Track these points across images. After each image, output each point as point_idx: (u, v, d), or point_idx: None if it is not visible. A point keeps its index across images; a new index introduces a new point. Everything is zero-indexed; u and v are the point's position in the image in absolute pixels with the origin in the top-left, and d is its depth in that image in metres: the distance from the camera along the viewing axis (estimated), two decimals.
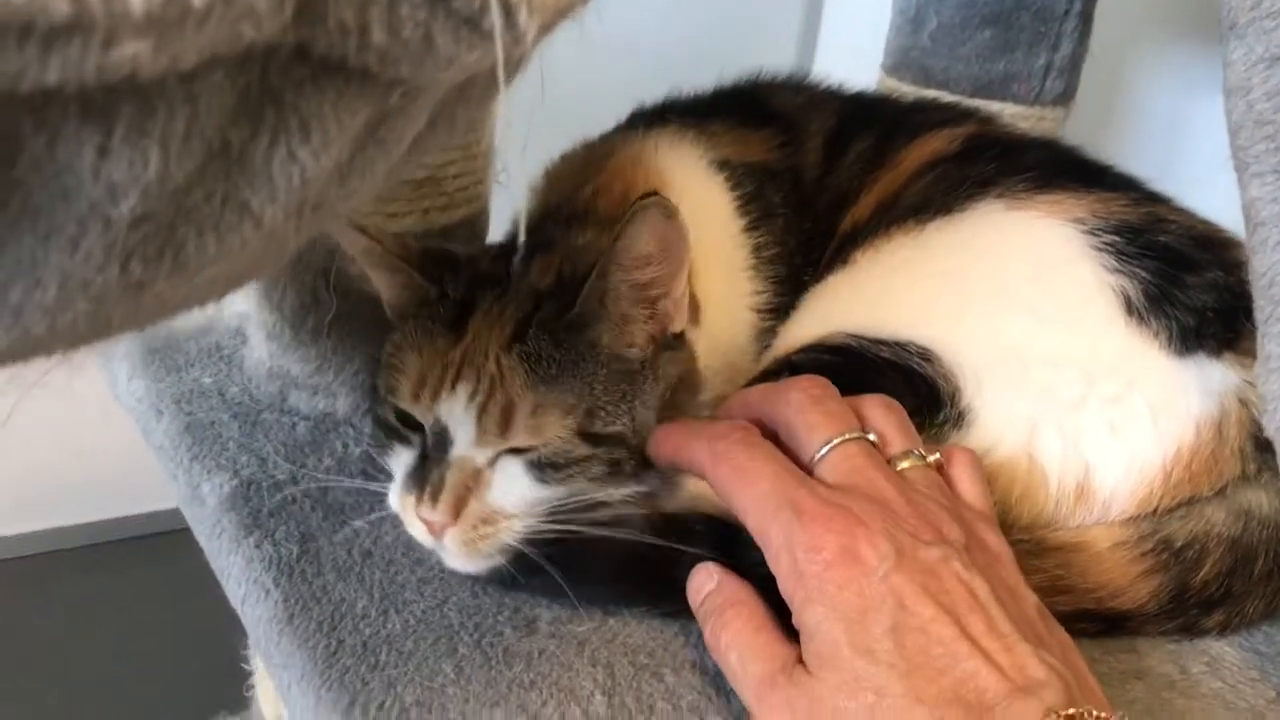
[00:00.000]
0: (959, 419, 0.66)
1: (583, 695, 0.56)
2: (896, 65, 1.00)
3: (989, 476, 0.64)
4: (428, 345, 0.64)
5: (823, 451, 0.58)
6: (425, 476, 0.62)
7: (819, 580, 0.51)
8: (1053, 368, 0.66)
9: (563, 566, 0.62)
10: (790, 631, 0.53)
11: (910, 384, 0.67)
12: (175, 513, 1.64)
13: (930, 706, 0.48)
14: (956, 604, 0.51)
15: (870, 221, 0.75)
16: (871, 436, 0.59)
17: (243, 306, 0.90)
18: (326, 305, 0.75)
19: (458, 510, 0.61)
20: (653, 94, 0.86)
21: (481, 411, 0.61)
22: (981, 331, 0.68)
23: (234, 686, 1.21)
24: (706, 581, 0.58)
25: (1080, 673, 0.52)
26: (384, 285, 0.68)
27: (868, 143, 0.80)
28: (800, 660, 0.52)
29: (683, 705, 0.56)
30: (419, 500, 0.61)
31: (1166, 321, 0.66)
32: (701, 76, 0.86)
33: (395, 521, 0.68)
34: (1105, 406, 0.65)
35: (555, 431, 0.61)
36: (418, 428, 0.65)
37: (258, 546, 0.65)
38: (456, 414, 0.62)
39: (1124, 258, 0.68)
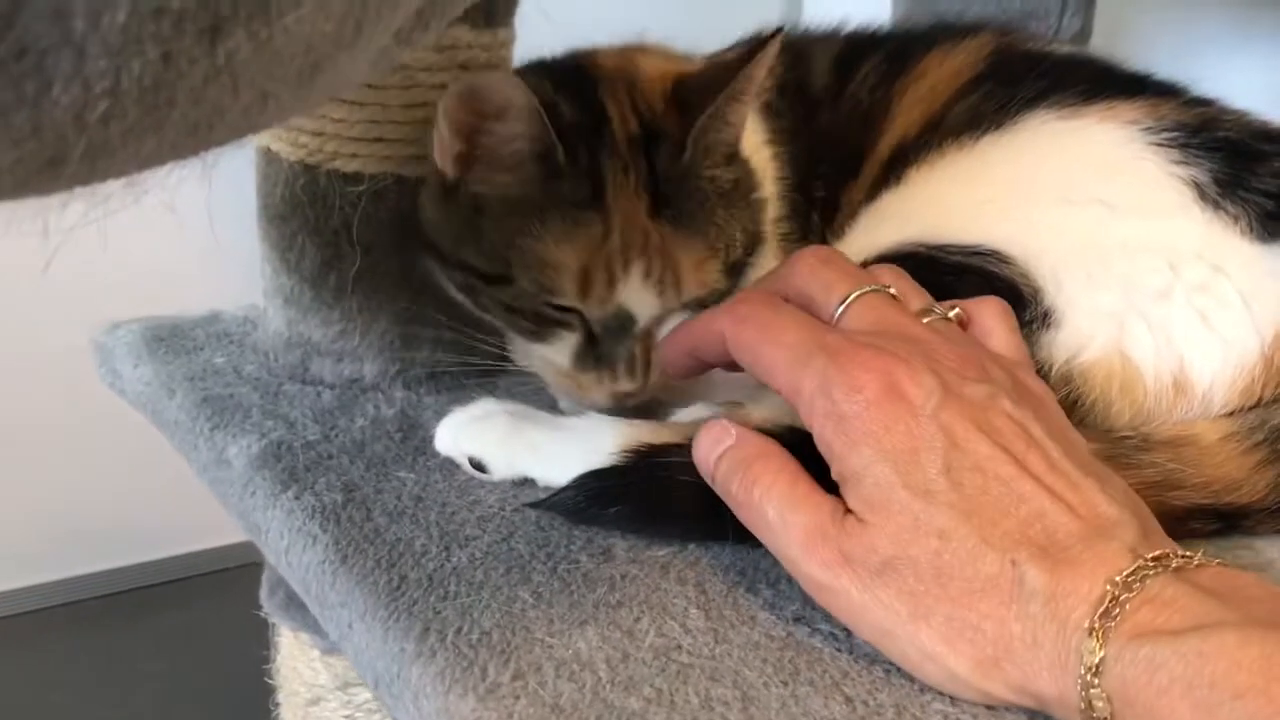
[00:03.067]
0: (1045, 319, 0.62)
1: (677, 610, 0.51)
2: (909, 17, 0.98)
3: (1084, 376, 0.61)
4: (579, 235, 0.62)
5: (842, 307, 0.54)
6: (609, 354, 0.64)
7: (862, 421, 0.47)
8: (1133, 260, 0.63)
9: (639, 500, 0.58)
10: (826, 488, 0.49)
11: (989, 285, 0.63)
12: (159, 565, 1.58)
13: (998, 550, 0.44)
14: (1012, 441, 0.47)
15: (919, 141, 0.72)
16: (891, 290, 0.55)
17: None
18: (350, 260, 0.71)
19: (649, 373, 0.64)
20: None
21: (660, 285, 0.63)
22: (1054, 230, 0.65)
23: None
24: (722, 437, 0.52)
25: (1146, 515, 0.48)
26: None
27: (879, 58, 0.78)
28: (848, 511, 0.47)
29: (787, 615, 0.51)
30: (612, 377, 0.64)
31: (1243, 207, 0.63)
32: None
33: (446, 469, 0.64)
34: (1193, 295, 0.62)
35: (714, 277, 0.65)
36: (570, 312, 0.64)
37: (297, 498, 0.60)
38: (634, 295, 0.63)
39: (1188, 150, 0.65)
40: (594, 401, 0.65)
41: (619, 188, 0.63)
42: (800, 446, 0.53)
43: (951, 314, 0.56)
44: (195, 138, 0.33)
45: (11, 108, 0.26)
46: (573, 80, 0.69)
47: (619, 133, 0.66)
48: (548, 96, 0.65)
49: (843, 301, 0.54)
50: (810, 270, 0.57)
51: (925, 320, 0.54)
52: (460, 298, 0.70)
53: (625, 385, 0.64)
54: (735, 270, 0.66)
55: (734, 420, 0.60)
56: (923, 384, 0.48)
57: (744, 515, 0.51)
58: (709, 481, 0.53)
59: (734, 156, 0.68)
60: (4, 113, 0.27)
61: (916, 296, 0.57)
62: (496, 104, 0.61)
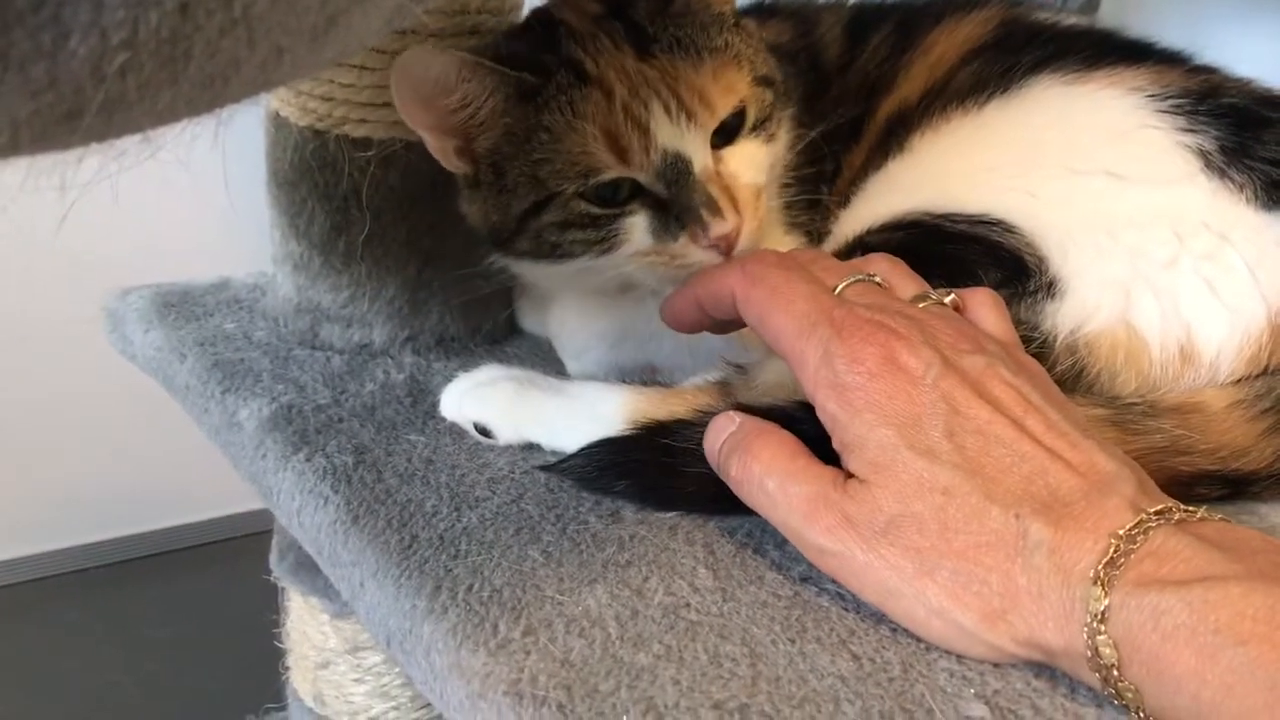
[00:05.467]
0: (1050, 289, 0.62)
1: (685, 570, 0.51)
2: None
3: (1089, 346, 0.61)
4: (585, 112, 0.61)
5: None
6: (685, 206, 0.61)
7: (865, 390, 0.48)
8: (1139, 229, 0.63)
9: (649, 479, 0.58)
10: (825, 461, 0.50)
11: (993, 255, 0.63)
12: (170, 533, 1.59)
13: (1002, 505, 0.45)
14: (1010, 406, 0.48)
15: (920, 107, 0.72)
16: (878, 279, 0.56)
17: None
18: (359, 225, 0.71)
19: (739, 208, 0.62)
20: None
21: (687, 113, 0.61)
22: (1060, 200, 0.64)
23: (252, 696, 1.16)
24: (727, 425, 0.53)
25: (1144, 476, 0.48)
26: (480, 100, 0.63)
27: (888, 29, 0.78)
28: (849, 477, 0.48)
29: (794, 575, 0.51)
30: (701, 225, 0.61)
31: (1249, 175, 0.63)
32: None
33: (455, 432, 0.64)
34: (1200, 264, 0.62)
35: (743, 84, 0.63)
36: (624, 200, 0.62)
37: (308, 460, 0.60)
38: (670, 134, 0.61)
39: (1193, 117, 0.65)
40: (693, 265, 0.62)
41: (598, 54, 0.62)
42: (803, 421, 0.53)
43: (946, 299, 0.57)
44: (210, 92, 0.33)
45: (29, 59, 0.27)
46: (525, 23, 0.70)
47: (575, 21, 0.65)
48: (486, 49, 0.65)
49: (834, 291, 0.55)
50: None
51: (920, 306, 0.55)
52: (546, 268, 0.67)
53: (719, 227, 0.61)
54: (767, 84, 0.66)
55: (739, 389, 0.61)
56: (922, 355, 0.49)
57: (744, 492, 0.51)
58: (717, 470, 0.53)
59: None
60: (22, 64, 0.27)
61: (911, 283, 0.57)
62: (434, 81, 0.61)
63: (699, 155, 0.62)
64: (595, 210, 0.62)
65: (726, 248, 0.62)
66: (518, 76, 0.61)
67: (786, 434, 0.52)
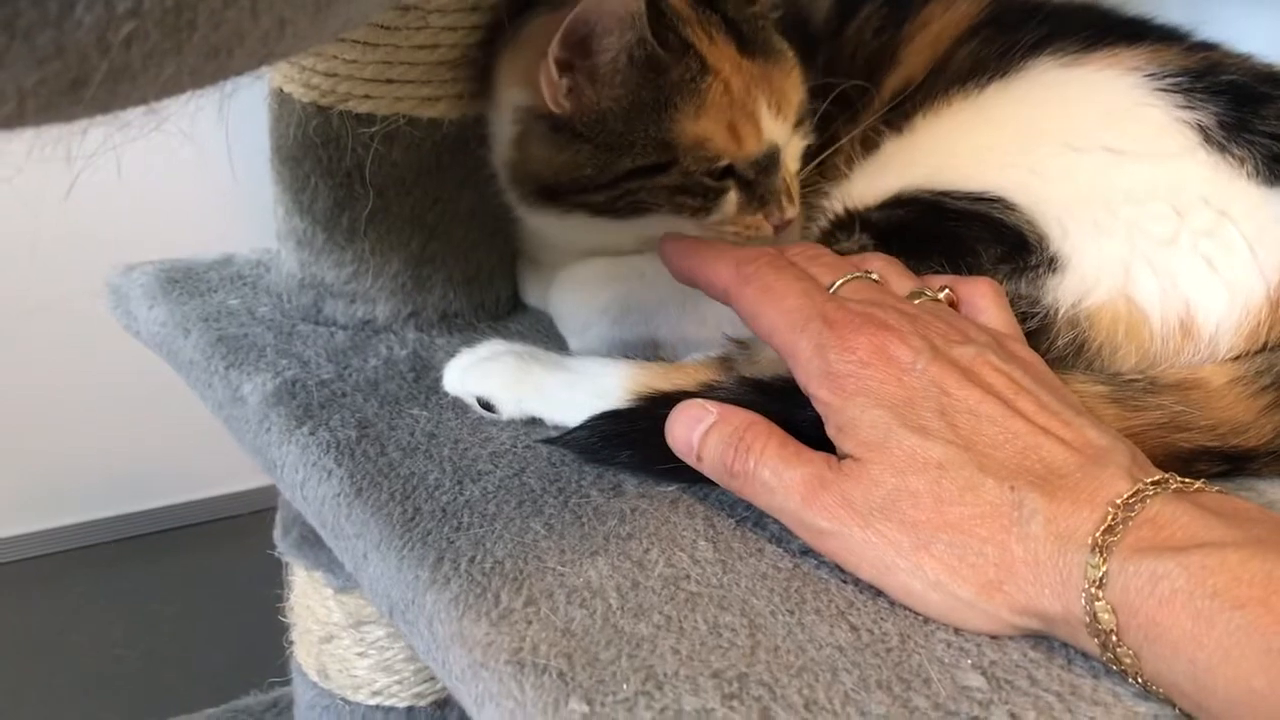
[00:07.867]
0: (1051, 264, 0.62)
1: (686, 542, 0.52)
2: None
3: (1090, 320, 0.61)
4: (710, 101, 0.66)
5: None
6: (768, 190, 0.69)
7: (857, 377, 0.49)
8: (1138, 205, 0.63)
9: (651, 448, 0.57)
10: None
11: (994, 232, 0.63)
12: (176, 509, 1.59)
13: (997, 478, 0.46)
14: (1001, 389, 0.49)
15: (923, 86, 0.73)
16: (875, 276, 0.57)
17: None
18: (362, 201, 0.71)
19: (794, 197, 0.70)
20: None
21: (779, 109, 0.68)
22: (1059, 176, 0.65)
23: (257, 671, 1.17)
24: (702, 416, 0.53)
25: (1137, 451, 0.49)
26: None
27: (878, 2, 0.78)
28: (842, 459, 0.49)
29: (794, 547, 0.52)
30: (779, 209, 0.69)
31: (1249, 150, 0.63)
32: None
33: (458, 407, 0.65)
34: (1199, 240, 0.62)
35: (801, 88, 0.71)
36: (720, 177, 0.68)
37: (312, 434, 0.61)
38: (771, 126, 0.68)
39: (1191, 94, 0.65)
40: (760, 238, 0.70)
41: (710, 44, 0.66)
42: (794, 394, 0.54)
43: (941, 294, 0.58)
44: (214, 63, 0.33)
45: (35, 27, 0.27)
46: None
47: (679, 6, 0.68)
48: None
49: (829, 289, 0.56)
50: (799, 263, 0.58)
51: (915, 302, 0.56)
52: (591, 222, 0.70)
53: (790, 212, 0.69)
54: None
55: (742, 364, 0.61)
56: (911, 344, 0.50)
57: (738, 485, 0.52)
58: (692, 462, 0.53)
59: None
60: (28, 32, 0.27)
61: (907, 281, 0.58)
62: (615, 17, 0.62)
63: (784, 149, 0.69)
64: (708, 182, 0.67)
65: (781, 228, 0.69)
66: (655, 45, 0.64)
67: (772, 424, 0.52)
